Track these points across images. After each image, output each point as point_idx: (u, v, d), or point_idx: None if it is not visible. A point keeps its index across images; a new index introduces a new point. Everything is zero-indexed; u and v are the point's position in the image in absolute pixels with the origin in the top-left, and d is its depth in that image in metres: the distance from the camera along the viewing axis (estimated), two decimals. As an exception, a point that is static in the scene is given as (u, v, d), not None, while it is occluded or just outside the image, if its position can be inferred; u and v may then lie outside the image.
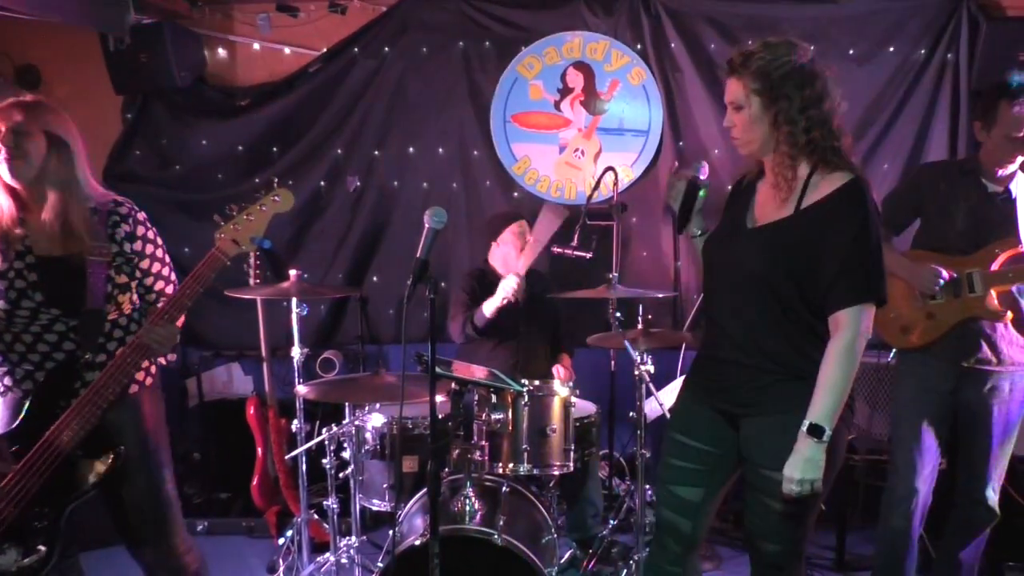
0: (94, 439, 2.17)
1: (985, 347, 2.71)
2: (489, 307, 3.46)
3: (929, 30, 3.99)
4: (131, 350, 2.18)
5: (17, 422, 2.17)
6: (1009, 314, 2.70)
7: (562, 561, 2.96)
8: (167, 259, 2.44)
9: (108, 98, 4.27)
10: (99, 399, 2.14)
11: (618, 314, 3.22)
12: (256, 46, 4.37)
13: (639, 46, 4.19)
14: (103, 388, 2.15)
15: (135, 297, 2.36)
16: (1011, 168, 2.71)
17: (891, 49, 4.03)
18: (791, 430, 1.94)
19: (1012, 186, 2.74)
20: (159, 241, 2.42)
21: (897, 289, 2.83)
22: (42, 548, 2.11)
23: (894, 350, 2.96)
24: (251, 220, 2.27)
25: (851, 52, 4.06)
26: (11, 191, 2.21)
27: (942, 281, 2.70)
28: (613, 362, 3.82)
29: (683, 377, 2.38)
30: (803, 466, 1.89)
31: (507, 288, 3.42)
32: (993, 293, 2.68)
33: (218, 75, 4.42)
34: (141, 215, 2.39)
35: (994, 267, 2.69)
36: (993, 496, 2.80)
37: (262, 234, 2.29)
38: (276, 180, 2.34)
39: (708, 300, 2.19)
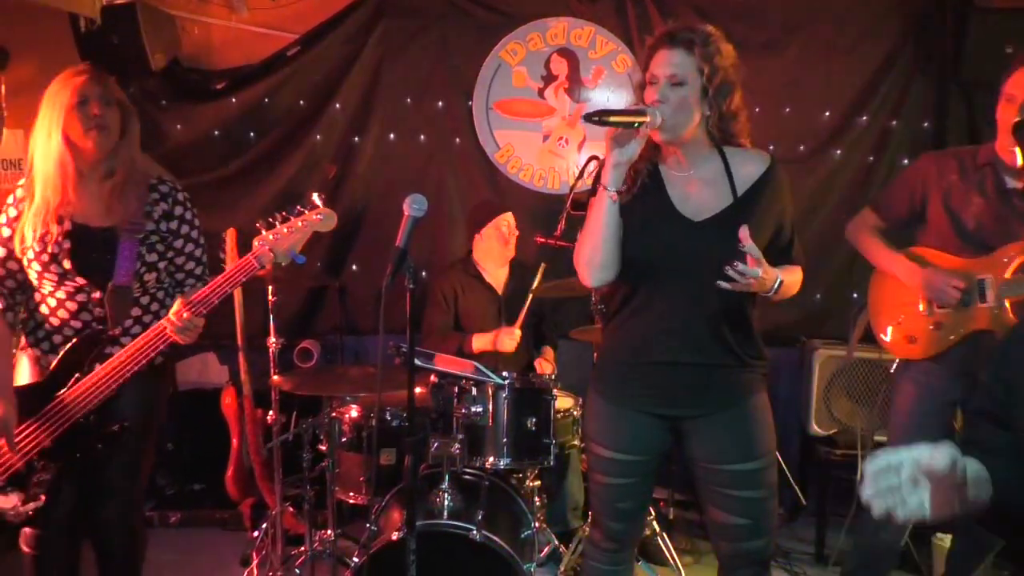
0: (103, 409, 2.19)
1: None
2: (478, 344, 3.44)
3: (914, 21, 3.95)
4: (154, 336, 2.18)
5: (38, 381, 2.22)
6: None
7: (541, 555, 2.93)
8: (201, 240, 2.44)
9: (79, 80, 4.16)
10: (117, 375, 2.16)
11: (601, 306, 3.18)
12: (232, 28, 4.26)
13: (624, 33, 4.13)
14: (122, 366, 2.16)
15: (162, 276, 2.36)
16: None
17: (877, 39, 3.98)
18: (739, 420, 2.00)
19: None
20: (196, 222, 2.42)
21: (901, 294, 2.57)
22: (42, 498, 2.15)
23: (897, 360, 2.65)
24: (291, 234, 2.24)
25: (837, 41, 4.01)
26: (74, 158, 2.20)
27: (959, 295, 2.39)
28: (595, 355, 3.78)
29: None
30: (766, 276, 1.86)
31: (504, 345, 3.38)
32: (1007, 305, 2.37)
33: (193, 58, 4.29)
34: (182, 195, 2.39)
35: (1007, 275, 2.38)
36: None
37: (299, 249, 2.25)
38: (322, 198, 2.28)
39: (637, 299, 2.04)
